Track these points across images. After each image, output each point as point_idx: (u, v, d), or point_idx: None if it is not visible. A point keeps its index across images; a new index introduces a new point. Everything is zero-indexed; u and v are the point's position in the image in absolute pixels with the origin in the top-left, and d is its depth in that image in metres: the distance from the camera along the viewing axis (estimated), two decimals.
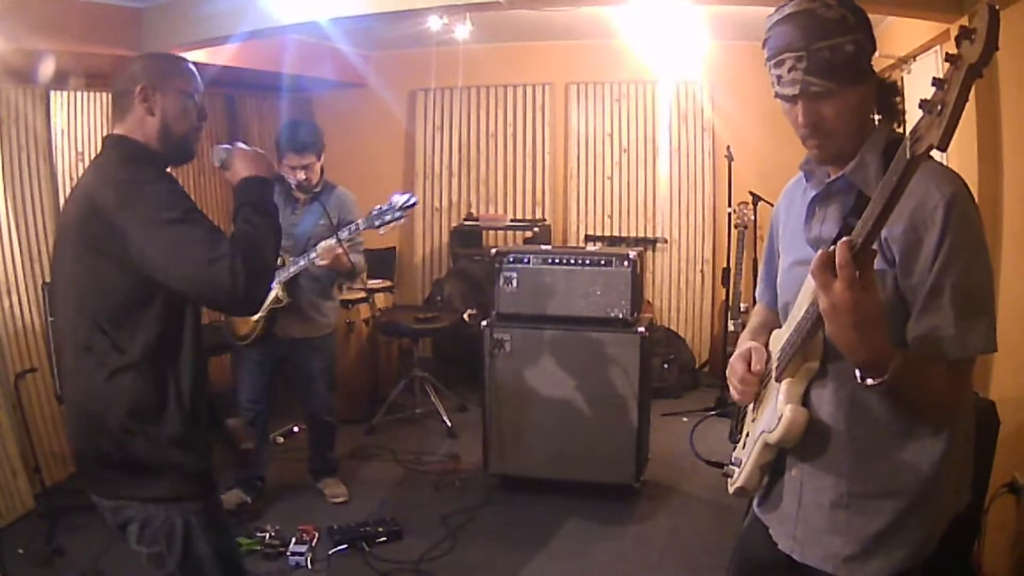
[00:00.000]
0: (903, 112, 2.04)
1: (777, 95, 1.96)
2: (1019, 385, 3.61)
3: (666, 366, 7.33)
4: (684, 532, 4.80)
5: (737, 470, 2.26)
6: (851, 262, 1.62)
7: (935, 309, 1.83)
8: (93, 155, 5.64)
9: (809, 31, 1.84)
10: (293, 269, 4.76)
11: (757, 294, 2.57)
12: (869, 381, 1.77)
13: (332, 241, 4.63)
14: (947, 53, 1.46)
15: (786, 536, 2.17)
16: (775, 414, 2.04)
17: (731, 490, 2.29)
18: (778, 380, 2.07)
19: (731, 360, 2.28)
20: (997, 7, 1.40)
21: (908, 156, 1.52)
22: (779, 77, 1.91)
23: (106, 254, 2.34)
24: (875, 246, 1.67)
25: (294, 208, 4.99)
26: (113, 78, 2.57)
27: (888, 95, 2.00)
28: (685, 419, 6.66)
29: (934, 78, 1.47)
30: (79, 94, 5.64)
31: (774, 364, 2.13)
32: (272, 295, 4.75)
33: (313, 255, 4.69)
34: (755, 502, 2.34)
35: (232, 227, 2.48)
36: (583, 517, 4.99)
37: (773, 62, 1.92)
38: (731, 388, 2.28)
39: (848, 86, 1.86)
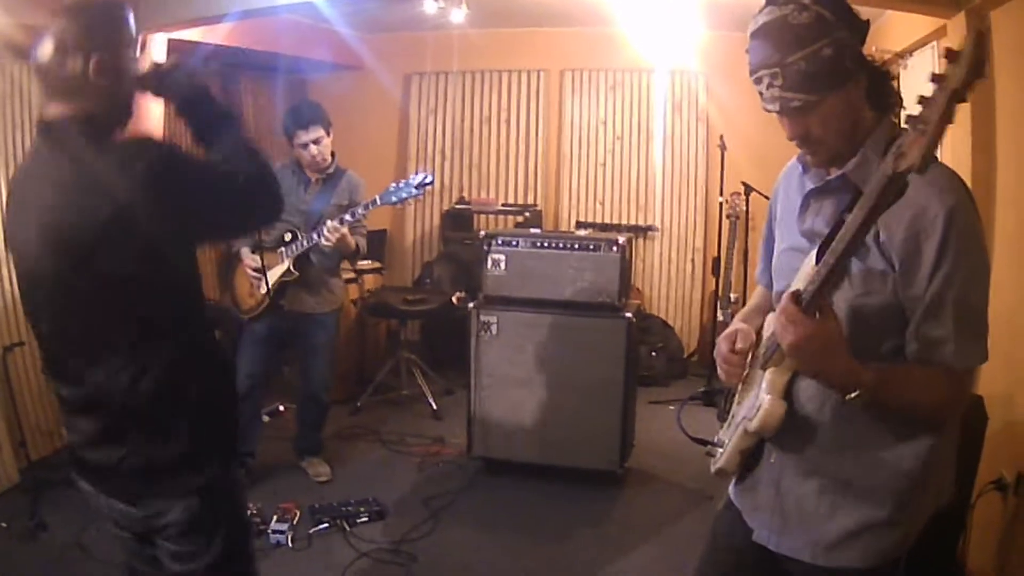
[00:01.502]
0: (900, 101, 1.97)
1: (765, 109, 1.92)
2: (1007, 381, 3.61)
3: (654, 354, 7.33)
4: (667, 519, 4.81)
5: (720, 451, 2.25)
6: (798, 312, 1.76)
7: (936, 322, 1.83)
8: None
9: (782, 43, 1.79)
10: (304, 245, 4.82)
11: (756, 275, 2.52)
12: (849, 396, 1.80)
13: (336, 222, 4.72)
14: (933, 74, 1.44)
15: (760, 525, 2.17)
16: (755, 403, 2.03)
17: (713, 470, 2.28)
18: (763, 368, 2.05)
19: (718, 339, 2.27)
20: (985, 33, 1.39)
21: (890, 172, 1.52)
22: (760, 93, 1.88)
23: (127, 249, 2.08)
24: (869, 250, 1.78)
25: (307, 187, 5.06)
26: (42, 47, 2.14)
27: (881, 85, 1.93)
28: (672, 407, 6.67)
29: (920, 96, 1.46)
30: None
31: (761, 350, 2.12)
32: (283, 268, 4.84)
33: (319, 236, 4.75)
34: (731, 485, 2.34)
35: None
36: (566, 502, 5.01)
37: (753, 79, 1.88)
38: (718, 367, 2.26)
39: (830, 92, 1.81)
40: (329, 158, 5.03)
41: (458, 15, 6.51)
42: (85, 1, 2.22)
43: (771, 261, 2.31)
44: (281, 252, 4.87)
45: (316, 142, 4.92)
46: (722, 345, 2.23)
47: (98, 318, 2.18)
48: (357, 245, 4.97)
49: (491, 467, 5.39)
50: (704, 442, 2.38)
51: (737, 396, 2.29)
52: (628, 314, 5.01)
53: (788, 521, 2.09)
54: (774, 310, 2.04)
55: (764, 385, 2.01)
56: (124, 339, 2.19)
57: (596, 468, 5.16)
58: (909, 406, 1.89)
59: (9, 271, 5.06)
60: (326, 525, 4.56)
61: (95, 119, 2.16)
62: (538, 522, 4.78)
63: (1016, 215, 3.76)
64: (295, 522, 4.55)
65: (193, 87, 2.38)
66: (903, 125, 1.52)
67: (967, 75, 1.40)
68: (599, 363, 5.04)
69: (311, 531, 4.51)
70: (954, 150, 4.24)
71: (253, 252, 4.84)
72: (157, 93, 2.39)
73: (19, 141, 5.19)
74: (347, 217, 4.74)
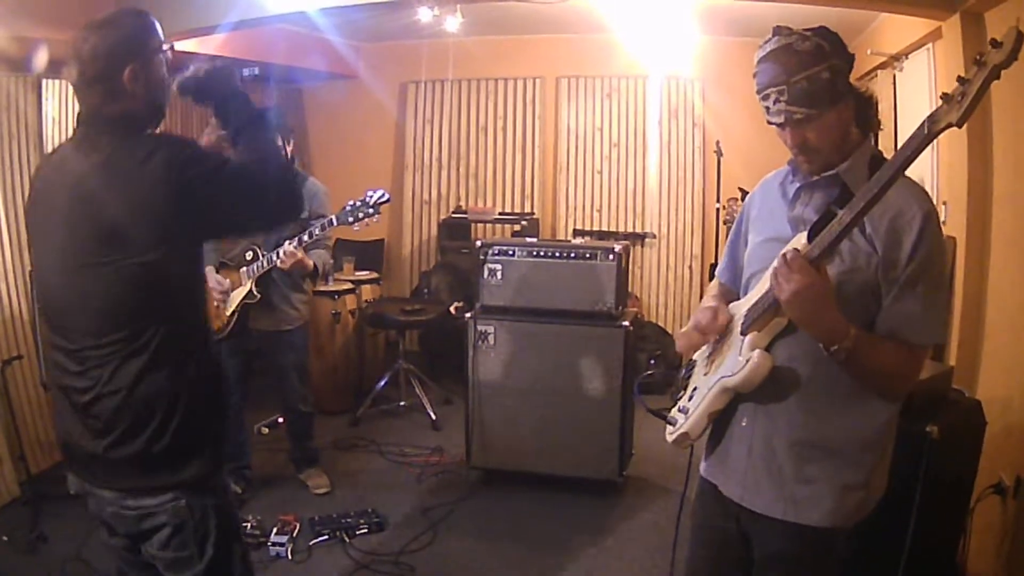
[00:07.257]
0: (879, 124, 2.36)
1: (768, 122, 2.19)
2: (1006, 385, 3.62)
3: (653, 361, 7.31)
4: (666, 528, 4.77)
5: (682, 418, 2.44)
6: (804, 262, 1.99)
7: (909, 300, 2.09)
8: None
9: (788, 66, 2.09)
10: (264, 266, 4.73)
11: (717, 272, 2.78)
12: (832, 348, 2.04)
13: (293, 245, 4.61)
14: (975, 57, 1.75)
15: (735, 484, 2.38)
16: (739, 360, 2.24)
17: (671, 438, 2.46)
18: (744, 334, 2.28)
19: (699, 312, 2.53)
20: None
21: (926, 132, 1.82)
22: (767, 108, 2.16)
23: (142, 243, 2.22)
24: (857, 239, 2.09)
25: None
26: (75, 60, 2.30)
27: (865, 108, 2.25)
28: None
29: (959, 76, 1.75)
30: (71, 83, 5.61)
31: (739, 321, 2.35)
32: (245, 290, 4.78)
33: (275, 259, 4.66)
34: (702, 467, 2.55)
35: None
36: (565, 512, 5.01)
37: (760, 96, 2.17)
38: (693, 332, 2.51)
39: (827, 109, 2.10)
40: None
41: (453, 23, 6.52)
42: (115, 14, 2.38)
43: (735, 260, 2.61)
44: (243, 272, 4.79)
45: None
46: (703, 316, 2.48)
47: (103, 302, 2.28)
48: (315, 265, 4.83)
49: (490, 477, 5.38)
50: (662, 415, 2.57)
51: (700, 368, 2.51)
52: (625, 322, 5.00)
53: (759, 480, 2.30)
54: (737, 299, 2.44)
55: (746, 345, 2.24)
56: (126, 327, 2.28)
57: (595, 477, 5.15)
58: (875, 370, 2.11)
59: (7, 286, 5.06)
60: (326, 537, 4.55)
61: (127, 117, 2.32)
62: (537, 532, 4.77)
63: (1013, 220, 3.76)
64: (295, 534, 4.54)
65: (231, 90, 2.53)
66: (939, 98, 1.81)
67: (1008, 58, 1.69)
68: (597, 372, 5.03)
69: (311, 543, 4.50)
70: (950, 153, 4.25)
71: (218, 271, 4.80)
72: (197, 99, 2.55)
73: (14, 153, 5.19)
74: (303, 238, 4.61)
